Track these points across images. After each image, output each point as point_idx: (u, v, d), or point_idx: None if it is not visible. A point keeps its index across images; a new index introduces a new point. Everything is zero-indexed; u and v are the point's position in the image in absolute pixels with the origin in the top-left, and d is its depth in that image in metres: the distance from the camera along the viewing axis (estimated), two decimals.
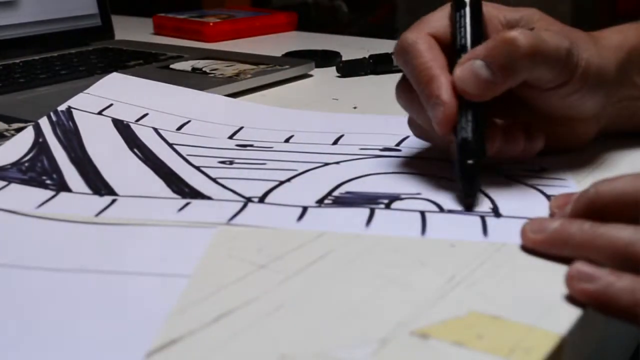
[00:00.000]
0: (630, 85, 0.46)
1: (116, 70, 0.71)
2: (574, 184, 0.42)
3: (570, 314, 0.29)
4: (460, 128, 0.39)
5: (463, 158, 0.39)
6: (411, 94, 0.42)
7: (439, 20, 0.43)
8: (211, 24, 0.96)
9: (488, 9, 0.44)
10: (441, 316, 0.29)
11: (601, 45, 0.43)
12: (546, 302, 0.30)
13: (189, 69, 0.72)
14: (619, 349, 0.39)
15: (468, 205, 0.39)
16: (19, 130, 0.50)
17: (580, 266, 0.30)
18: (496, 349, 0.27)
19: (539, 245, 0.33)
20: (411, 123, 0.46)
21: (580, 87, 0.41)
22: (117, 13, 0.96)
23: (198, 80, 0.67)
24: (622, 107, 0.47)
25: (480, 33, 0.42)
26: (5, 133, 0.50)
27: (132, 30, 1.00)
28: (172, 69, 0.73)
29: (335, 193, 0.41)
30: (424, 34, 0.42)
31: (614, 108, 0.46)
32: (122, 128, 0.51)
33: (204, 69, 0.71)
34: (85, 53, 0.82)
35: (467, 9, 0.42)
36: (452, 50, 0.42)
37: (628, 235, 0.30)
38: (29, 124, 0.51)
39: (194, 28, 0.97)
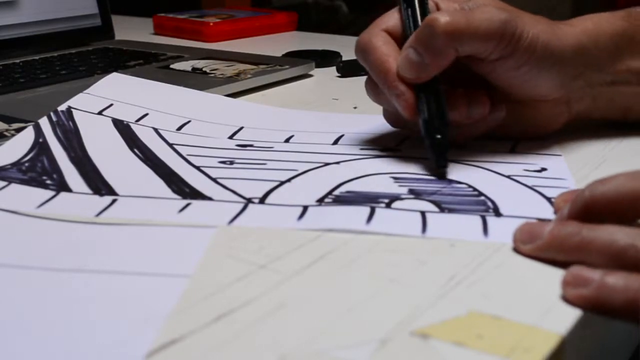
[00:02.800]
0: (599, 70, 0.47)
1: (116, 70, 0.71)
2: (574, 184, 0.42)
3: (570, 314, 0.29)
4: (420, 111, 0.43)
5: (429, 135, 0.43)
6: (378, 88, 0.45)
7: (391, 17, 0.46)
8: (211, 24, 0.96)
9: (442, 1, 0.47)
10: (441, 316, 0.29)
11: (558, 28, 0.45)
12: (546, 302, 0.30)
13: (189, 69, 0.72)
14: (619, 349, 0.38)
15: (441, 175, 0.43)
16: (19, 130, 0.50)
17: (575, 271, 0.30)
18: (496, 348, 0.27)
19: (532, 255, 0.33)
20: (385, 115, 0.49)
21: (528, 60, 0.43)
22: (117, 13, 0.96)
23: (198, 80, 0.67)
24: (597, 93, 0.47)
25: None
26: (5, 133, 0.50)
27: (132, 30, 1.01)
28: (172, 69, 0.73)
29: (336, 192, 0.41)
30: (378, 31, 0.45)
31: (585, 94, 0.47)
32: (122, 128, 0.51)
33: (204, 69, 0.71)
34: (85, 53, 0.82)
35: (415, 2, 0.46)
36: (404, 43, 0.45)
37: (622, 239, 0.30)
38: (29, 124, 0.51)
39: (194, 28, 0.97)
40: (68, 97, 0.55)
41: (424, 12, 0.46)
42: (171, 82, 0.63)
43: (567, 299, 0.30)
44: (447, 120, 0.43)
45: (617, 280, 0.29)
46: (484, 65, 0.44)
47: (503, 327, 0.28)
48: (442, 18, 0.41)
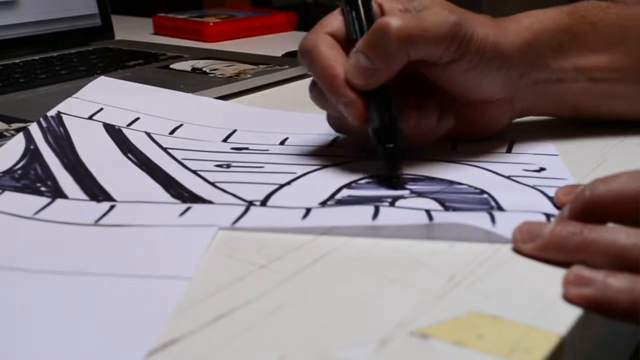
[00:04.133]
0: (544, 68, 0.46)
1: (116, 71, 0.72)
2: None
3: (570, 314, 0.29)
4: (370, 120, 0.42)
5: (381, 144, 0.41)
6: (323, 93, 0.43)
7: (335, 20, 0.44)
8: (211, 24, 0.96)
9: (386, 2, 0.45)
10: (441, 316, 0.29)
11: (504, 27, 0.44)
12: (546, 302, 0.30)
13: (189, 69, 0.72)
14: (619, 349, 0.38)
15: (394, 185, 0.41)
16: (19, 130, 0.50)
17: (577, 270, 0.30)
18: (496, 349, 0.27)
19: (532, 255, 0.33)
20: (329, 120, 0.47)
21: (479, 62, 0.43)
22: (117, 13, 0.96)
23: (198, 80, 0.67)
24: (540, 91, 0.47)
25: (371, 24, 0.42)
26: (5, 133, 0.50)
27: (132, 30, 1.01)
28: (172, 69, 0.73)
29: (338, 196, 0.40)
30: (322, 34, 0.43)
31: (529, 91, 0.47)
32: (114, 133, 0.51)
33: (204, 69, 0.71)
34: (85, 53, 0.82)
35: (359, 4, 0.44)
36: (350, 47, 0.43)
37: (624, 239, 0.30)
38: (29, 124, 0.51)
39: (194, 28, 0.97)
40: (68, 97, 0.55)
41: (369, 14, 0.44)
42: (171, 82, 0.63)
43: (568, 298, 0.30)
44: (398, 128, 0.41)
45: (621, 281, 0.29)
46: (434, 70, 0.43)
47: (503, 327, 0.28)
48: (394, 22, 0.40)
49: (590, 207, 0.33)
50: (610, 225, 0.32)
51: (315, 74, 0.43)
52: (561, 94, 0.47)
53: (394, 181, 0.42)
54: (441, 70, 0.43)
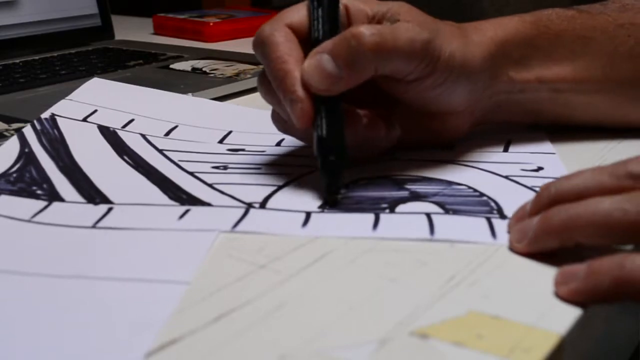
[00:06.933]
0: (506, 80, 0.46)
1: (116, 71, 0.72)
2: None
3: (570, 314, 0.29)
4: (316, 125, 0.39)
5: (323, 155, 0.39)
6: (272, 86, 0.41)
7: (297, 12, 0.42)
8: (211, 24, 0.96)
9: (355, 3, 0.43)
10: (441, 316, 0.29)
11: (469, 39, 0.43)
12: (546, 302, 0.30)
13: (189, 69, 0.72)
14: (619, 348, 0.38)
15: (332, 202, 0.39)
16: (18, 130, 0.50)
17: (562, 269, 0.30)
18: (496, 349, 0.27)
19: (528, 250, 0.33)
20: (275, 118, 0.45)
21: (445, 79, 0.41)
22: (117, 13, 0.96)
23: (198, 80, 0.67)
24: (499, 102, 0.47)
25: (335, 25, 0.41)
26: (5, 133, 0.50)
27: (132, 30, 1.01)
28: (172, 69, 0.73)
29: (337, 197, 0.40)
30: (282, 26, 0.41)
31: (489, 102, 0.46)
32: (109, 135, 0.51)
33: (204, 69, 0.71)
34: (85, 53, 0.82)
35: (325, 2, 0.41)
36: (308, 43, 0.41)
37: (606, 206, 0.30)
38: (28, 124, 0.51)
39: (194, 28, 0.97)
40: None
41: (334, 14, 0.41)
42: (171, 82, 0.63)
43: (562, 298, 0.30)
44: (344, 140, 0.39)
45: (600, 263, 0.29)
46: (397, 85, 0.42)
47: (503, 327, 0.28)
48: (369, 32, 0.38)
49: (556, 201, 0.33)
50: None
51: (267, 66, 0.40)
52: (522, 103, 0.47)
53: (332, 199, 0.39)
54: (404, 86, 0.42)
